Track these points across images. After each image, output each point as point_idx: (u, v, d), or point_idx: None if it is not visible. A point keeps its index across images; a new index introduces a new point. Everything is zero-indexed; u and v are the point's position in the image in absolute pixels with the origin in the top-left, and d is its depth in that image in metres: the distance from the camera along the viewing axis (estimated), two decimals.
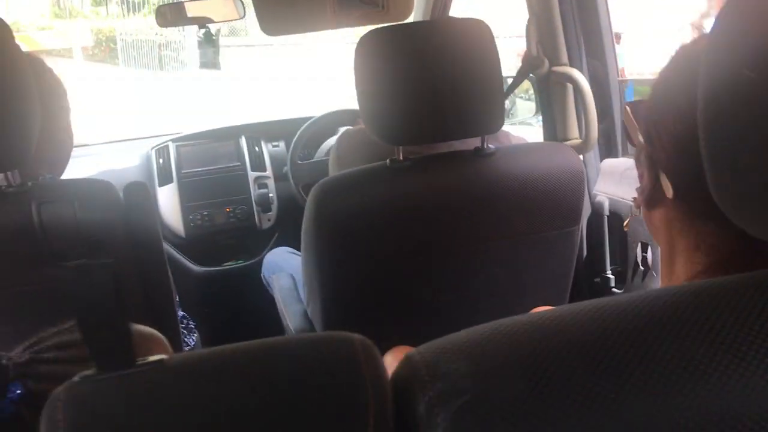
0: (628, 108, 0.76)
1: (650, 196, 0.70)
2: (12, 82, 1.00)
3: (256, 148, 2.45)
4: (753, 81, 0.44)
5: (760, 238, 0.50)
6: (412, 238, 1.31)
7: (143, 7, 13.06)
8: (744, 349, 0.42)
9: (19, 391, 0.64)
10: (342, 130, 1.82)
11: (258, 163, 2.43)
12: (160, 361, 0.42)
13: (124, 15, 13.34)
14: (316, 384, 0.41)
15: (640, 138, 0.71)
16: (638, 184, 0.75)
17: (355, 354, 0.43)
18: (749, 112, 0.45)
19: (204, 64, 2.28)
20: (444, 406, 0.41)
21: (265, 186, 2.41)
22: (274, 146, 2.50)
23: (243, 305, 2.31)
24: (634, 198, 0.75)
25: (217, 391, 0.41)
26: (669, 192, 0.66)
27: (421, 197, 1.29)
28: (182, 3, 2.16)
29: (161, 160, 2.37)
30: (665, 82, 0.68)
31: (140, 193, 1.26)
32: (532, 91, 2.08)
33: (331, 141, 2.34)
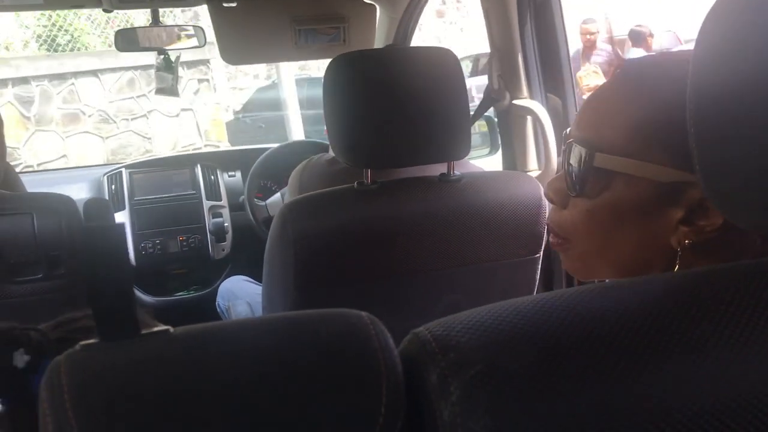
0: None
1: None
2: None
3: (212, 177, 2.43)
4: (743, 75, 0.46)
5: (749, 229, 0.52)
6: (377, 262, 1.31)
7: None
8: (749, 331, 0.43)
9: None
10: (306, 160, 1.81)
11: (213, 192, 2.40)
12: (166, 331, 0.40)
13: None
14: (329, 357, 0.41)
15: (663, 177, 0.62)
16: None
17: (366, 327, 0.43)
18: (738, 106, 0.47)
19: (161, 90, 2.24)
20: (457, 376, 0.40)
21: (220, 215, 2.37)
22: (230, 176, 2.48)
23: None
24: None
25: (227, 362, 0.40)
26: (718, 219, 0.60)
27: (387, 221, 1.29)
28: (135, 29, 2.14)
29: (113, 187, 2.32)
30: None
31: (101, 209, 1.23)
32: (479, 131, 2.13)
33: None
